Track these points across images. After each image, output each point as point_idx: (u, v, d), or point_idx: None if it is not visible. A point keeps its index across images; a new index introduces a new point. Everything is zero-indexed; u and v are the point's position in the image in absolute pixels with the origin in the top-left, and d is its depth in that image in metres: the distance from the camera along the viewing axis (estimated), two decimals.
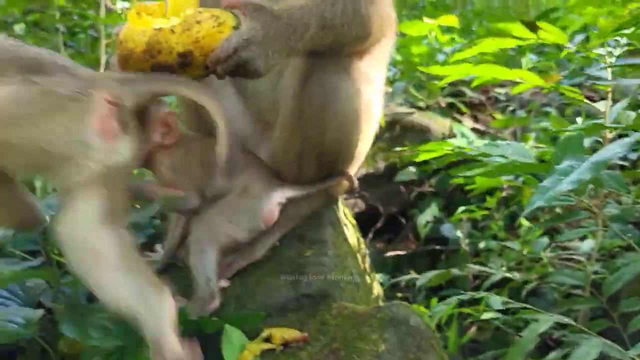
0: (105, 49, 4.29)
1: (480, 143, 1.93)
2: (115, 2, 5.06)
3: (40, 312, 1.60)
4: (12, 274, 1.61)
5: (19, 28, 3.88)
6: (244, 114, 1.97)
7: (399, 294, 3.05)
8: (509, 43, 1.87)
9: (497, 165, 1.61)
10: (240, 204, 1.77)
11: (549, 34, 1.75)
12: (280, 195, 1.79)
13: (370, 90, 1.84)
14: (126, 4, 4.67)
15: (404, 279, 2.72)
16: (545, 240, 2.52)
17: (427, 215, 3.32)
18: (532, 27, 1.81)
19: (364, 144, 1.90)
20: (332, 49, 1.68)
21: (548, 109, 3.58)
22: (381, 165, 3.69)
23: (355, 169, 1.97)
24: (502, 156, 1.55)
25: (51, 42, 4.31)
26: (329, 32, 1.61)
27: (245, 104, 1.98)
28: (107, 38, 4.24)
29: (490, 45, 1.86)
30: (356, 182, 2.00)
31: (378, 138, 3.66)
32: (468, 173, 1.84)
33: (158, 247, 2.05)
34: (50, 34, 4.58)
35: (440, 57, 4.31)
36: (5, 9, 3.92)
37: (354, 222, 2.19)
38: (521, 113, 3.59)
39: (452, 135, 3.63)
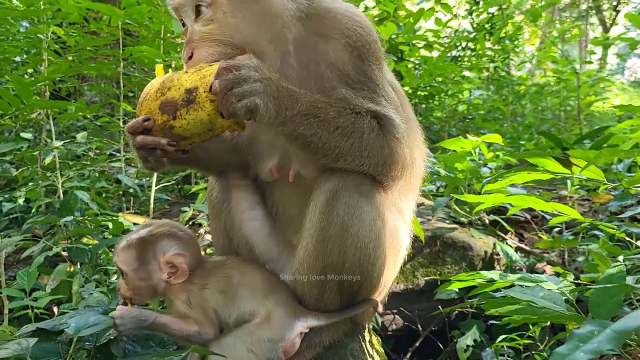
0: None
1: (515, 276, 1.85)
2: None
3: None
4: None
5: (80, 136, 4.15)
6: (271, 236, 1.99)
7: None
8: (543, 176, 1.84)
9: (526, 307, 1.53)
10: (261, 332, 1.73)
11: (587, 171, 1.71)
12: (302, 325, 1.75)
13: (398, 219, 1.84)
14: None
15: None
16: None
17: (467, 339, 3.16)
18: (568, 162, 1.79)
19: (389, 272, 1.86)
20: (331, 154, 1.69)
21: (597, 232, 3.43)
22: (421, 281, 3.58)
23: (381, 297, 1.91)
24: (531, 302, 1.47)
25: (113, 146, 4.60)
26: (321, 124, 1.64)
27: (273, 227, 2.00)
28: None
29: (524, 177, 1.84)
30: (381, 308, 1.94)
31: (418, 253, 3.61)
32: (500, 309, 1.75)
33: None
34: (113, 139, 4.89)
35: (485, 170, 4.28)
36: (73, 115, 4.24)
37: (382, 350, 2.09)
38: (568, 234, 3.44)
39: (495, 254, 3.53)
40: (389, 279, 1.90)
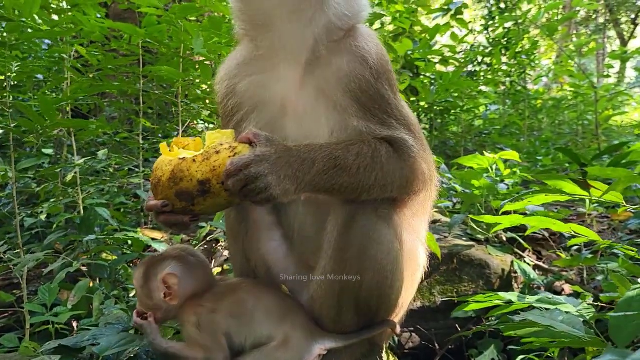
0: None
1: (533, 298, 1.84)
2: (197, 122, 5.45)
3: None
4: None
5: (101, 154, 4.24)
6: (288, 257, 2.01)
7: None
8: (561, 198, 1.84)
9: (544, 329, 1.52)
10: (280, 355, 1.74)
11: (606, 194, 1.71)
12: (320, 347, 1.76)
13: (415, 239, 1.85)
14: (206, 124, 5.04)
15: None
16: None
17: (485, 358, 3.13)
18: (586, 184, 1.78)
19: (407, 292, 1.87)
20: (355, 192, 1.71)
21: (616, 250, 3.38)
22: (438, 299, 3.56)
23: (399, 317, 1.92)
24: (551, 327, 1.47)
25: (133, 161, 4.68)
26: (342, 172, 1.66)
27: (290, 248, 2.02)
28: None
29: (542, 199, 1.84)
30: (398, 329, 1.94)
31: (435, 270, 3.59)
32: (519, 332, 1.74)
33: None
34: (133, 155, 4.97)
35: (502, 187, 4.26)
36: (94, 132, 4.32)
37: None
38: (587, 253, 3.41)
39: (513, 273, 3.50)
40: (406, 299, 1.91)
